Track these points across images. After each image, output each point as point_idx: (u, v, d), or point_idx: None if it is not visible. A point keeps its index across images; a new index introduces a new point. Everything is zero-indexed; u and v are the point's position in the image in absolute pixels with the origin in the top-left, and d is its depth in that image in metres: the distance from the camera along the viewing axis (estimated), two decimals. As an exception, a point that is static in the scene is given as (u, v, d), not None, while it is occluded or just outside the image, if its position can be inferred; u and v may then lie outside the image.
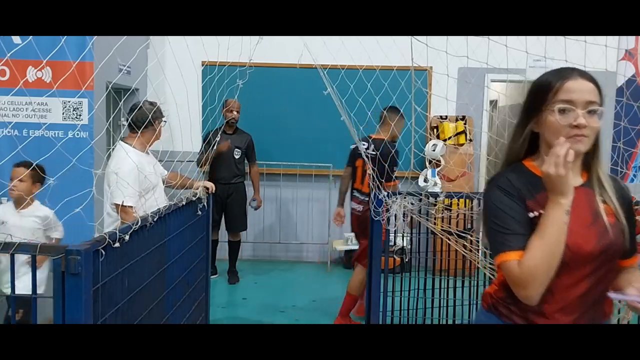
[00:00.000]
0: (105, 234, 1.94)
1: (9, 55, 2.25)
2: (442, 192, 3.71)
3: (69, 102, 4.56)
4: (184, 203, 2.94)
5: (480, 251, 4.35)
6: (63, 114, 4.62)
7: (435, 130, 5.86)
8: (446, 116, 5.86)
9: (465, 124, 5.87)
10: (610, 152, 5.53)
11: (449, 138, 5.84)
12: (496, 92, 6.53)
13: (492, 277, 3.53)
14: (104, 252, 1.89)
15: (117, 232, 2.00)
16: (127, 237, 2.07)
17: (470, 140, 5.88)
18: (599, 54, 4.65)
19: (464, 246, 3.62)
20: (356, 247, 5.82)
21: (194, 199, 3.17)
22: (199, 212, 3.28)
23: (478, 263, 3.64)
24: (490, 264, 3.57)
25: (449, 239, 3.65)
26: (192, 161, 5.05)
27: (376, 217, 3.35)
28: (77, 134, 4.58)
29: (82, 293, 1.74)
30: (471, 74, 5.13)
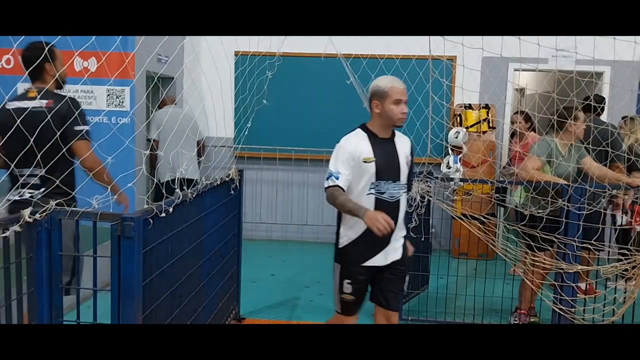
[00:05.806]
0: (152, 205, 2.25)
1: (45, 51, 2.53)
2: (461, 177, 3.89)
3: (112, 90, 4.92)
4: (218, 183, 3.25)
5: (498, 235, 4.53)
6: (107, 101, 4.98)
7: (459, 118, 6.03)
8: (470, 105, 6.02)
9: (488, 112, 6.02)
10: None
11: (472, 125, 6.00)
12: (520, 81, 6.62)
13: (510, 260, 3.73)
14: (151, 221, 2.20)
15: (163, 204, 2.31)
16: (171, 209, 2.38)
17: (493, 128, 6.02)
18: (625, 45, 4.72)
19: (484, 231, 3.81)
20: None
21: (227, 179, 3.47)
22: (232, 192, 3.58)
23: (495, 247, 3.84)
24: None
25: (468, 223, 3.85)
26: (225, 146, 5.36)
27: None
28: (120, 120, 4.94)
29: (134, 254, 2.05)
30: (494, 63, 5.27)
